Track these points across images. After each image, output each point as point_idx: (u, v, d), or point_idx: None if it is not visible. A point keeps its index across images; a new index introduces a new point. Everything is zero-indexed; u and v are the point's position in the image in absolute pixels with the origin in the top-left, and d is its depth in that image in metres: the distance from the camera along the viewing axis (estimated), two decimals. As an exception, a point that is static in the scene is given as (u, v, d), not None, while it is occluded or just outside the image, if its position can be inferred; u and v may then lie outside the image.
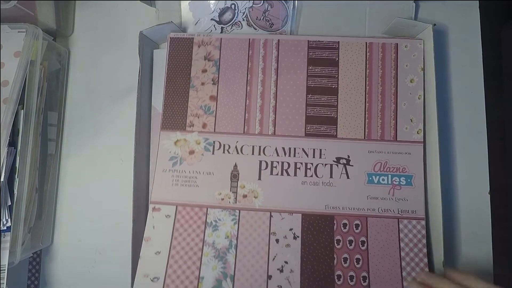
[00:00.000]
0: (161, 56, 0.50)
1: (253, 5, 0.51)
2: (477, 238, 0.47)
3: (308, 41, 0.49)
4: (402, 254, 0.43)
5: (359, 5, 0.50)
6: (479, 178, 0.48)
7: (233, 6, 0.51)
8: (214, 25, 0.51)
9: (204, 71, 0.49)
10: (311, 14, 0.51)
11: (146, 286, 0.43)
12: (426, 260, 0.43)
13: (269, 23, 0.51)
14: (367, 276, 0.43)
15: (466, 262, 0.46)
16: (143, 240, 0.45)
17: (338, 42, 0.48)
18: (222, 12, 0.51)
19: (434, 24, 0.46)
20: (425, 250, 0.43)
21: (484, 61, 0.50)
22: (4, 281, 0.41)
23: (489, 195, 0.47)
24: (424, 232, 0.44)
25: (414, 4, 0.49)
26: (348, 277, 0.43)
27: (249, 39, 0.49)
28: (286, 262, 0.43)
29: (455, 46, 0.50)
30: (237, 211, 0.45)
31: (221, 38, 0.49)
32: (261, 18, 0.51)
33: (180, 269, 0.43)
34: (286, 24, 0.51)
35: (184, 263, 0.44)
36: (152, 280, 0.43)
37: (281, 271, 0.43)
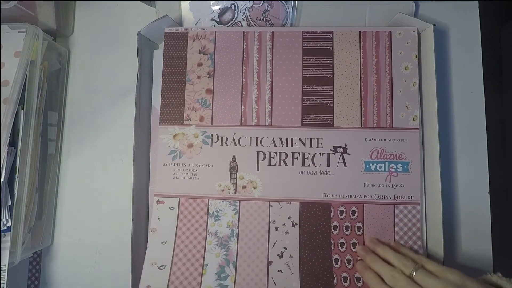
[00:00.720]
0: (160, 56, 0.50)
1: (253, 5, 0.51)
2: (477, 238, 0.47)
3: (302, 31, 0.49)
4: (397, 238, 0.45)
5: (359, 5, 0.50)
6: (479, 178, 0.48)
7: (233, 6, 0.51)
8: (214, 25, 0.51)
9: (200, 64, 0.49)
10: (311, 14, 0.51)
11: (154, 274, 0.45)
12: (420, 242, 0.44)
13: (269, 23, 0.51)
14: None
15: (466, 262, 0.46)
16: (150, 231, 0.46)
17: (332, 32, 0.49)
18: (222, 12, 0.51)
19: (434, 24, 0.46)
20: (419, 233, 0.45)
21: (484, 61, 0.50)
22: (4, 281, 0.41)
23: (489, 195, 0.47)
24: (419, 216, 0.45)
25: (414, 4, 0.49)
26: (345, 261, 0.44)
27: (243, 31, 0.49)
28: (285, 248, 0.45)
29: (455, 46, 0.50)
30: (237, 201, 0.46)
31: (215, 32, 0.50)
32: (261, 18, 0.51)
33: (185, 257, 0.45)
34: (286, 24, 0.51)
35: (189, 251, 0.45)
36: (159, 268, 0.45)
37: (281, 256, 0.45)
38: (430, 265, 0.39)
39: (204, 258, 0.45)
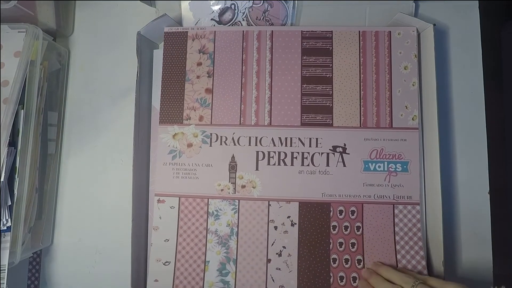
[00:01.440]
0: (160, 56, 0.50)
1: (253, 5, 0.51)
2: (477, 238, 0.47)
3: (301, 31, 0.49)
4: (397, 238, 0.45)
5: (359, 5, 0.50)
6: (479, 178, 0.48)
7: (233, 6, 0.51)
8: (214, 25, 0.51)
9: (199, 64, 0.49)
10: (311, 14, 0.51)
11: (159, 269, 0.46)
12: (421, 243, 0.44)
13: (269, 23, 0.51)
14: (361, 259, 0.45)
15: (466, 262, 0.46)
16: (152, 229, 0.47)
17: (332, 31, 0.49)
18: (222, 12, 0.51)
19: (434, 24, 0.46)
20: (419, 234, 0.45)
21: (484, 61, 0.50)
22: (4, 281, 0.41)
23: (488, 195, 0.47)
24: (419, 216, 0.45)
25: (414, 4, 0.49)
26: (343, 260, 0.45)
27: (243, 31, 0.49)
28: (284, 247, 0.45)
29: (455, 46, 0.50)
30: (237, 201, 0.47)
31: (215, 31, 0.50)
32: (261, 18, 0.51)
33: (188, 254, 0.46)
34: (286, 24, 0.51)
35: (191, 249, 0.46)
36: (164, 264, 0.46)
37: (280, 255, 0.45)
38: (433, 281, 0.39)
39: (205, 256, 0.46)
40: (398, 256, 0.44)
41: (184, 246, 0.46)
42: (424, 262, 0.44)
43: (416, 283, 0.38)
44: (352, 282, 0.44)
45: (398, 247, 0.45)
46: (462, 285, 0.36)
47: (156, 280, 0.45)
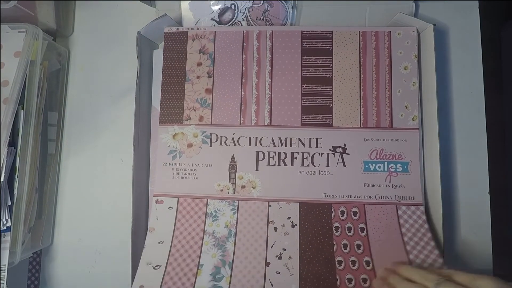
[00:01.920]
0: (160, 56, 0.50)
1: (253, 5, 0.51)
2: (477, 238, 0.47)
3: (301, 31, 0.49)
4: (405, 239, 0.44)
5: (359, 5, 0.50)
6: (479, 178, 0.48)
7: (233, 6, 0.51)
8: (214, 25, 0.51)
9: (199, 64, 0.49)
10: (311, 14, 0.51)
11: (148, 274, 0.44)
12: (433, 243, 0.43)
13: (269, 23, 0.51)
14: (370, 260, 0.43)
15: (466, 262, 0.46)
16: (148, 231, 0.46)
17: (332, 31, 0.49)
18: (222, 12, 0.51)
19: (434, 24, 0.46)
20: (429, 234, 0.44)
21: (484, 61, 0.50)
22: (4, 281, 0.41)
23: (489, 195, 0.47)
24: (424, 217, 0.45)
25: (414, 4, 0.49)
26: (350, 262, 0.43)
27: (243, 31, 0.49)
28: (284, 249, 0.44)
29: (455, 46, 0.50)
30: (236, 201, 0.46)
31: (215, 32, 0.50)
32: (261, 18, 0.51)
33: (181, 257, 0.44)
34: (286, 24, 0.51)
35: (185, 251, 0.45)
36: (154, 268, 0.44)
37: (280, 258, 0.44)
38: (460, 276, 0.35)
39: (199, 259, 0.44)
40: (411, 256, 0.42)
41: (178, 248, 0.45)
42: (441, 260, 0.42)
43: (440, 280, 0.35)
44: (362, 283, 0.42)
45: (408, 247, 0.43)
46: (495, 279, 0.33)
47: (141, 286, 0.42)
